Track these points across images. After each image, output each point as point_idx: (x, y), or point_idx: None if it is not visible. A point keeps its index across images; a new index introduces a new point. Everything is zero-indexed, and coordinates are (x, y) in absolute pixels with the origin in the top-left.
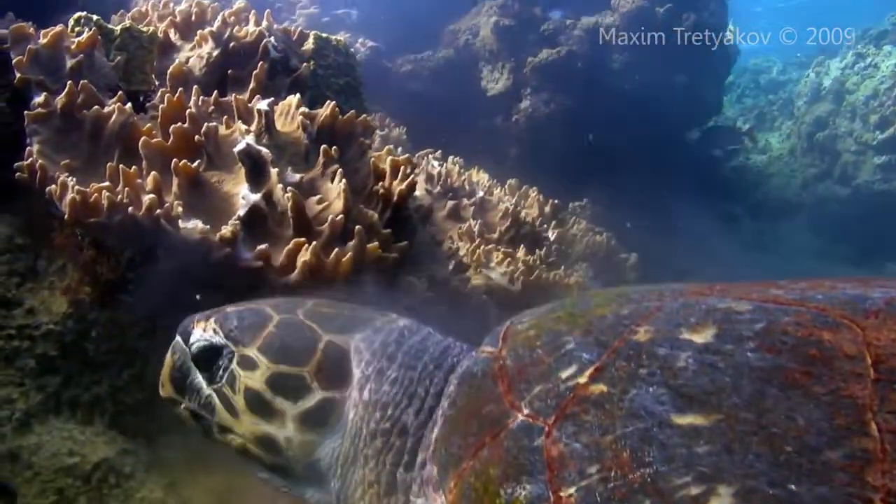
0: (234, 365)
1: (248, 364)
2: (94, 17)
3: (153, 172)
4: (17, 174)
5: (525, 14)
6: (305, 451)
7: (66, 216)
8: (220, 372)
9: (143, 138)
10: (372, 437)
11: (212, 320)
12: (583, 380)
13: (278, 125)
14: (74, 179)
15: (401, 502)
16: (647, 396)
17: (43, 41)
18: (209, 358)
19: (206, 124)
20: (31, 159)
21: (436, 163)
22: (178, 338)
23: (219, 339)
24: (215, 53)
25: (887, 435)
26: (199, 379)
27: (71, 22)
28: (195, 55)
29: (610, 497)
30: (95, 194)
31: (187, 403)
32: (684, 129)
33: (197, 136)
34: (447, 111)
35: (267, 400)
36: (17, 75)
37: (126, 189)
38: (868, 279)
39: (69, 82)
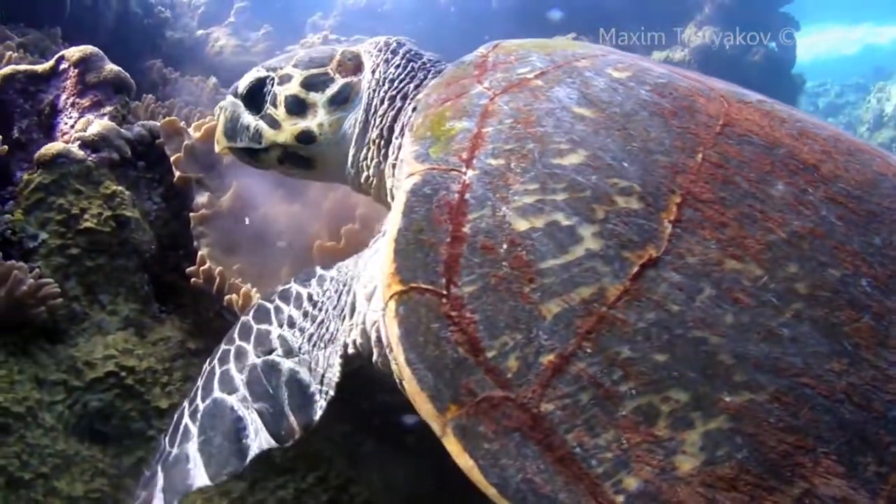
0: (275, 87)
1: (285, 79)
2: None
3: None
4: (192, 280)
5: None
6: (334, 129)
7: None
8: (265, 98)
9: (317, 243)
10: (381, 103)
11: (254, 68)
12: (529, 76)
13: None
14: (256, 290)
15: (393, 146)
16: (563, 92)
17: (196, 135)
18: (255, 94)
19: (376, 226)
20: (206, 266)
21: None
22: (227, 97)
23: (262, 73)
24: None
25: (706, 164)
26: (247, 116)
27: (217, 109)
28: None
29: (509, 137)
30: None
31: (239, 144)
32: None
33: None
34: None
35: (302, 98)
36: (177, 174)
37: None
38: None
39: (234, 182)
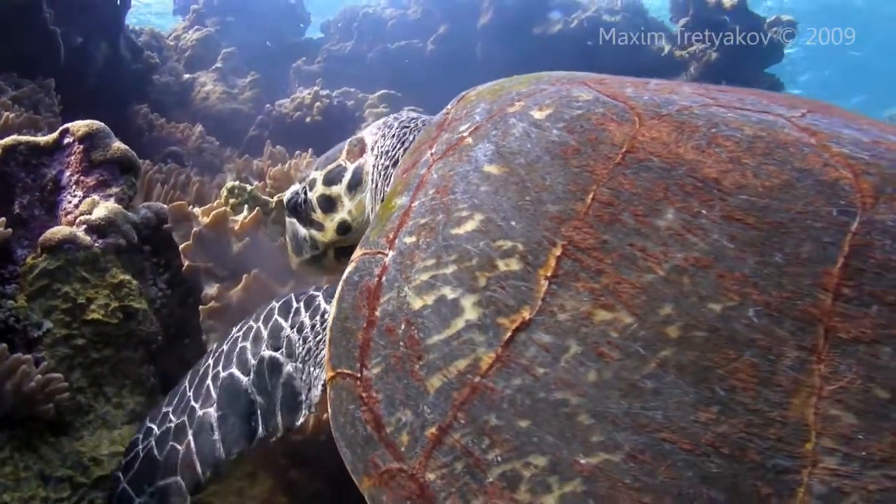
0: (308, 194)
1: (312, 184)
2: (248, 188)
3: None
4: None
5: None
6: (360, 211)
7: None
8: (303, 206)
9: None
10: (379, 175)
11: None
12: (465, 134)
13: None
14: None
15: None
16: (482, 150)
17: (205, 221)
18: (298, 206)
19: None
20: None
21: None
22: (286, 216)
23: (297, 186)
24: None
25: (595, 203)
26: (301, 229)
27: (224, 192)
28: None
29: (427, 209)
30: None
31: (305, 256)
32: None
33: None
34: None
35: (328, 194)
36: (185, 263)
37: None
38: (756, 93)
39: (245, 275)
